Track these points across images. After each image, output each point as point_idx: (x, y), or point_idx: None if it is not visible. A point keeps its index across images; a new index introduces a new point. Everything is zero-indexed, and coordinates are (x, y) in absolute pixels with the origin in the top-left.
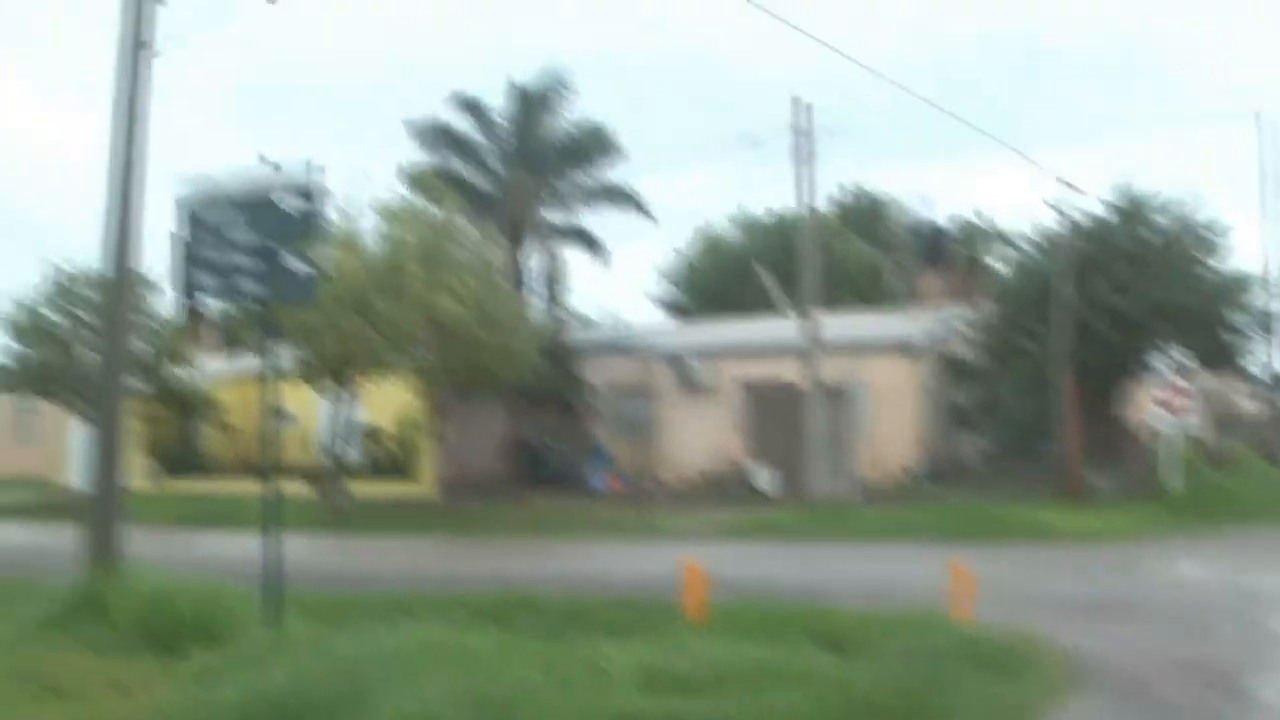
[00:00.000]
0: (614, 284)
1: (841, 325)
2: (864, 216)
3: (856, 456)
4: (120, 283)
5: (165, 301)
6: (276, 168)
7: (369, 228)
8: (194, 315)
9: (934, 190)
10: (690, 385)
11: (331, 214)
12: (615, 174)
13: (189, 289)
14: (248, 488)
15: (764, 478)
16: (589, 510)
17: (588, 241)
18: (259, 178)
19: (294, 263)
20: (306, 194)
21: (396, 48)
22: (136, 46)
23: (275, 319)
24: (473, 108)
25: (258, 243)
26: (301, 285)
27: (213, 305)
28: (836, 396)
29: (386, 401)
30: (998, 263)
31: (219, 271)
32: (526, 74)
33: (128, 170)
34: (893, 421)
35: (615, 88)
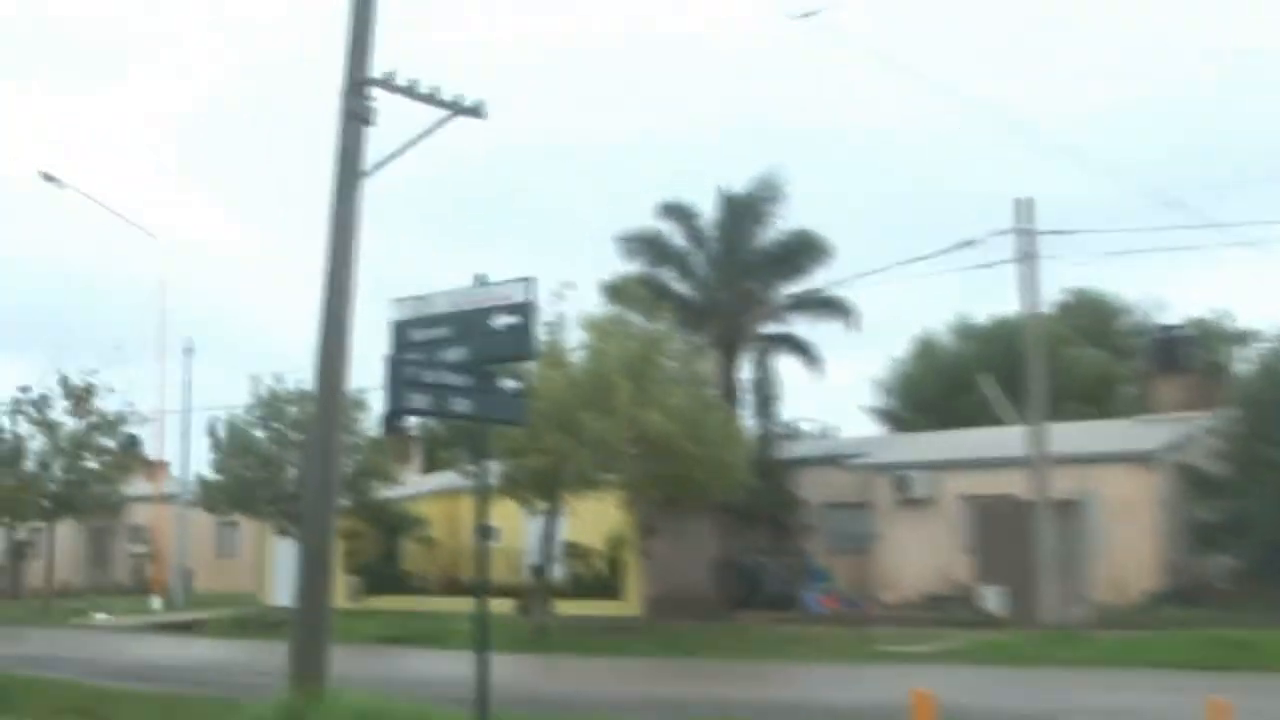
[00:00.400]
0: (827, 395)
1: (1070, 435)
2: (1091, 320)
3: (1090, 575)
4: (331, 402)
5: (371, 418)
6: (484, 281)
7: (575, 341)
8: (399, 432)
9: (1165, 288)
10: (910, 500)
11: (539, 329)
12: (825, 280)
13: (401, 409)
14: (450, 605)
15: (990, 598)
16: (804, 632)
17: (800, 351)
18: (469, 295)
19: (506, 382)
20: (519, 310)
21: (597, 158)
22: (352, 173)
23: (485, 437)
24: (682, 215)
25: (469, 361)
26: (513, 405)
27: (416, 422)
28: (1067, 511)
29: (593, 518)
30: (1239, 365)
31: (431, 391)
32: (735, 181)
33: (339, 291)
34: (1128, 538)
35: (821, 187)
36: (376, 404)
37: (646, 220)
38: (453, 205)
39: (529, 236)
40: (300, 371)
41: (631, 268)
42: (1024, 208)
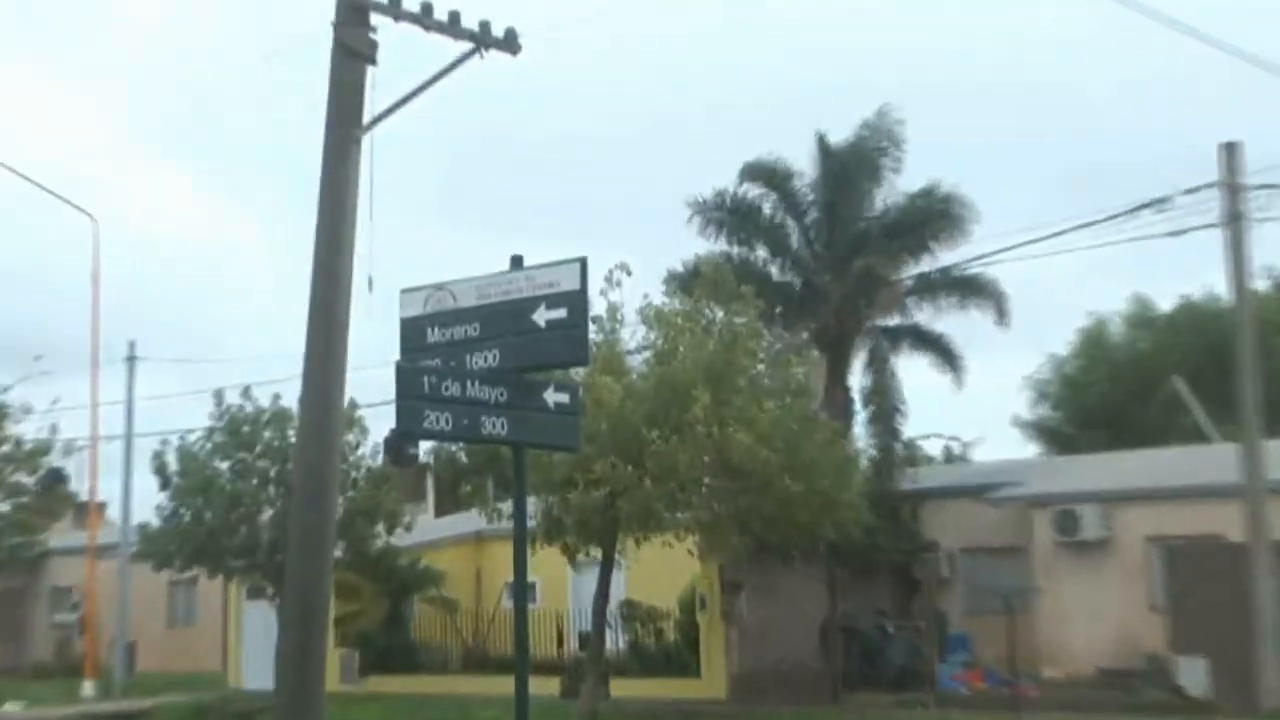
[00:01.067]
0: (965, 405)
1: None
2: None
3: None
4: (323, 422)
5: (372, 444)
6: (521, 264)
7: (636, 341)
8: (408, 462)
9: None
10: (1078, 542)
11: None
12: (961, 255)
13: (413, 431)
14: (474, 685)
15: (1190, 673)
16: (941, 717)
17: (931, 347)
18: (502, 283)
19: (550, 394)
20: (568, 302)
21: (659, 116)
22: (349, 125)
23: (522, 467)
24: (773, 177)
25: (503, 368)
26: (560, 425)
27: (430, 448)
28: None
29: (660, 570)
30: None
31: (452, 407)
32: (841, 130)
33: (332, 279)
34: None
35: (942, 139)
36: (380, 425)
37: (726, 187)
38: (478, 174)
39: (572, 215)
40: (278, 385)
41: (707, 247)
42: (1230, 155)
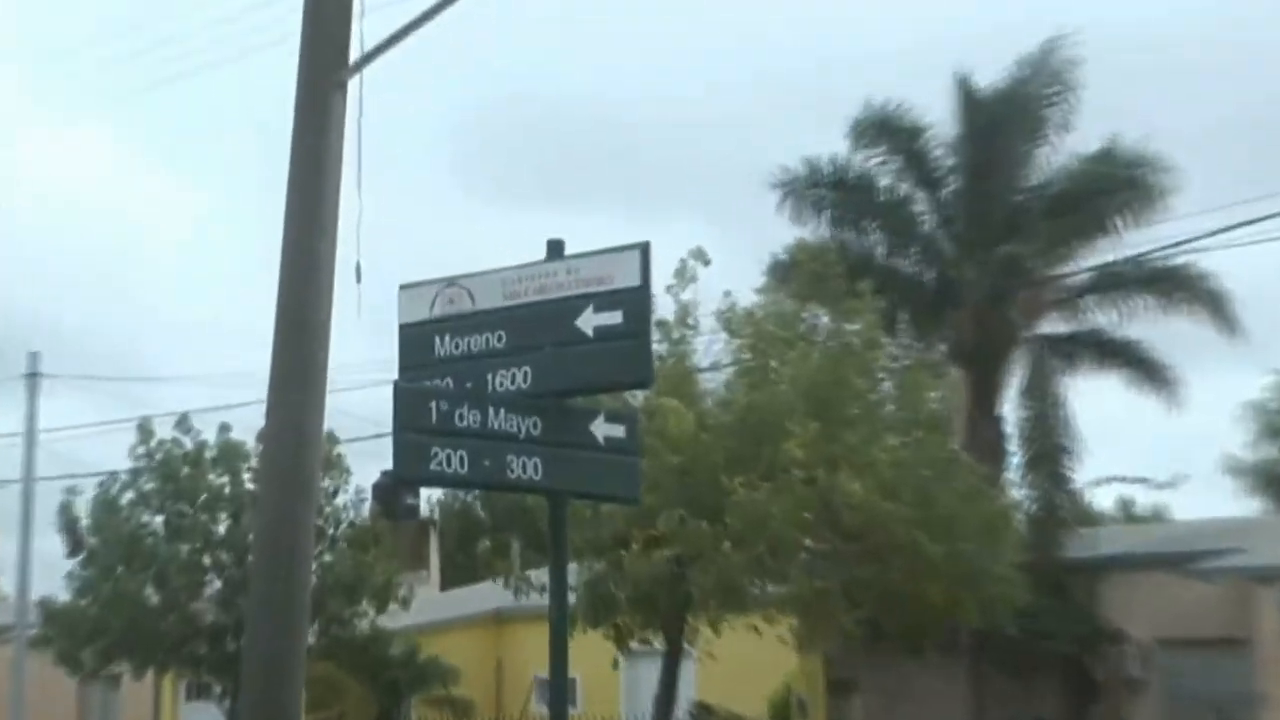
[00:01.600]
0: (1161, 441)
1: None
2: None
3: None
4: (296, 461)
5: (357, 492)
6: (559, 251)
7: (712, 354)
8: (406, 516)
9: None
10: None
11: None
12: (1152, 240)
13: (414, 475)
14: None
15: None
16: None
17: (1115, 361)
18: (535, 276)
19: (602, 427)
20: (625, 302)
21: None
22: (327, 67)
23: (560, 524)
24: (894, 136)
25: (536, 391)
26: (615, 468)
27: (434, 498)
28: None
29: (743, 664)
30: None
31: (467, 443)
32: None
33: (307, 271)
34: None
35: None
36: (368, 466)
37: (825, 155)
38: (500, 144)
39: (627, 192)
40: (227, 412)
41: (803, 232)
42: None
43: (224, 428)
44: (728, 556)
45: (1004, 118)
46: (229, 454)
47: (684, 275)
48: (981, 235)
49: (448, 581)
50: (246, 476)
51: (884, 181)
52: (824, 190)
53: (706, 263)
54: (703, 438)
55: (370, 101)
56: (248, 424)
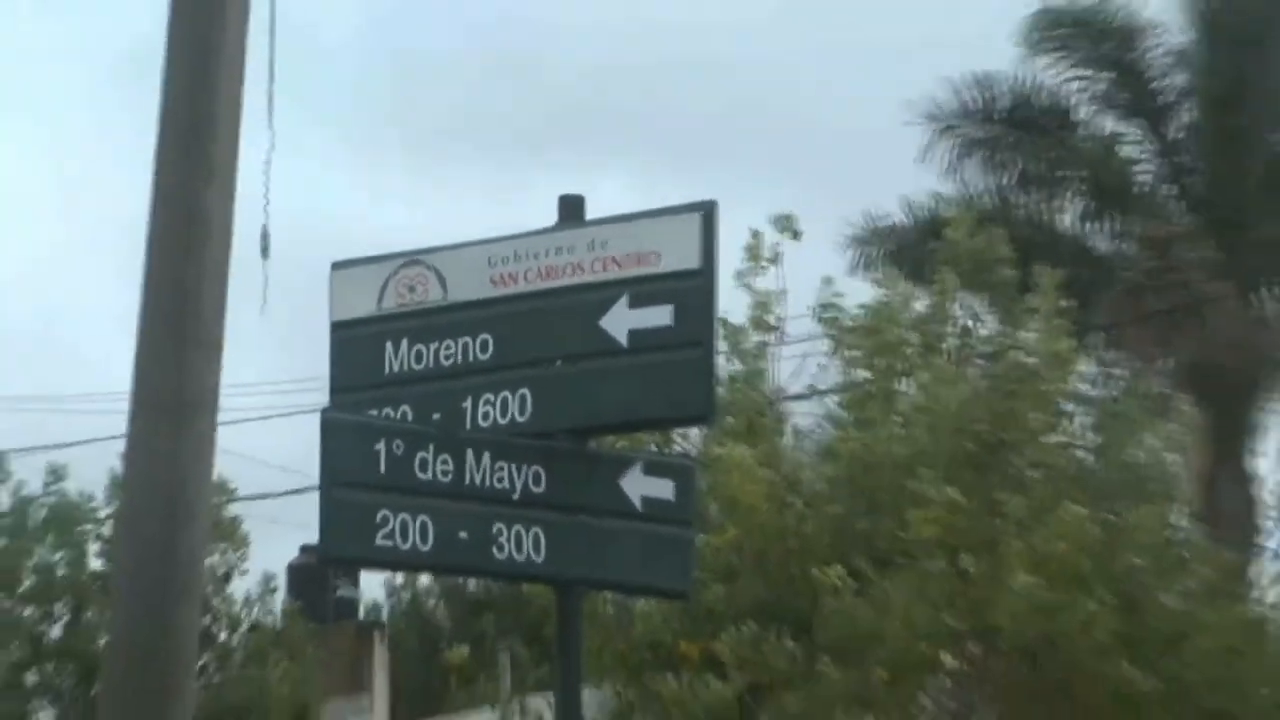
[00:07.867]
0: None
1: None
2: None
3: None
4: (168, 535)
5: (262, 579)
6: (577, 212)
7: (810, 373)
8: (338, 614)
9: None
10: None
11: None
12: None
13: (355, 556)
14: None
15: None
16: None
17: None
18: (540, 256)
19: (638, 483)
20: (681, 289)
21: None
22: None
23: (573, 628)
24: (1096, 42)
25: (543, 431)
26: (658, 546)
27: (383, 587)
28: None
29: None
30: None
31: (438, 508)
32: None
33: (188, 233)
34: None
35: None
36: (280, 542)
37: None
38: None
39: (665, 138)
40: (58, 453)
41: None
42: None
43: (53, 478)
44: (827, 682)
45: (1262, 16)
46: (62, 518)
47: (760, 254)
48: (1229, 197)
49: (400, 713)
50: (92, 551)
51: (1077, 115)
52: (979, 124)
53: (796, 235)
54: (794, 506)
55: None
56: (93, 475)
